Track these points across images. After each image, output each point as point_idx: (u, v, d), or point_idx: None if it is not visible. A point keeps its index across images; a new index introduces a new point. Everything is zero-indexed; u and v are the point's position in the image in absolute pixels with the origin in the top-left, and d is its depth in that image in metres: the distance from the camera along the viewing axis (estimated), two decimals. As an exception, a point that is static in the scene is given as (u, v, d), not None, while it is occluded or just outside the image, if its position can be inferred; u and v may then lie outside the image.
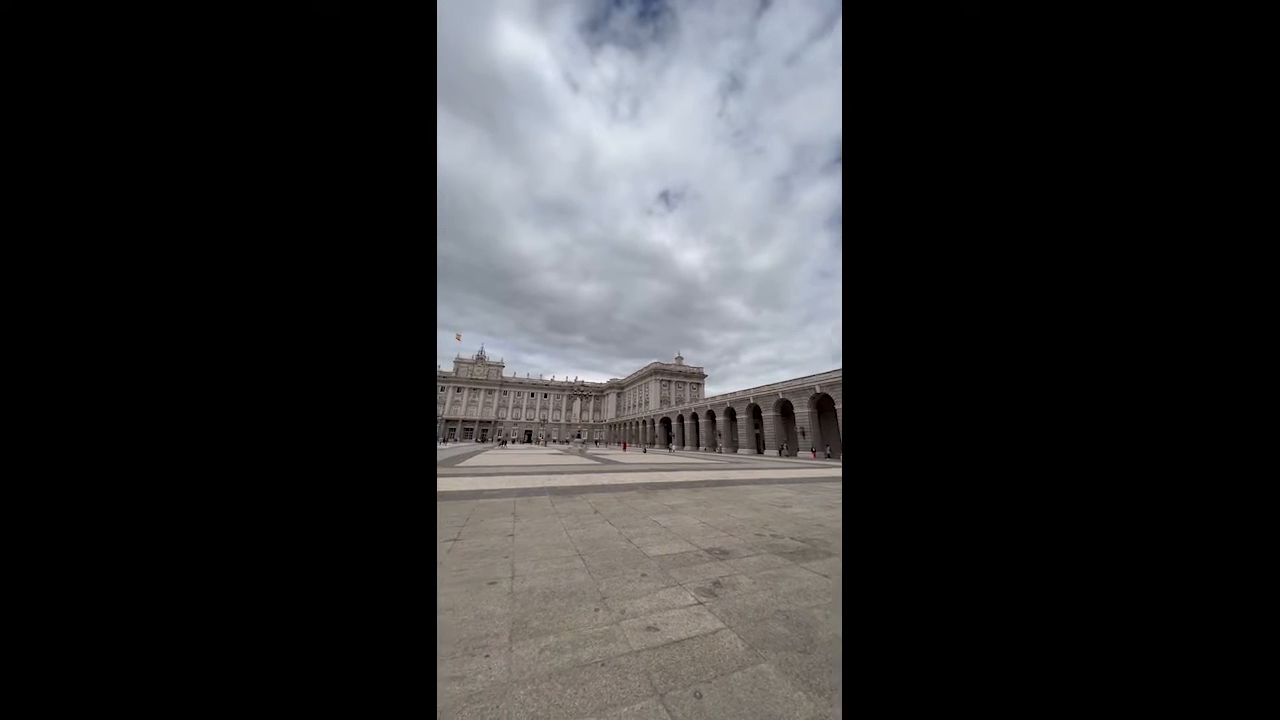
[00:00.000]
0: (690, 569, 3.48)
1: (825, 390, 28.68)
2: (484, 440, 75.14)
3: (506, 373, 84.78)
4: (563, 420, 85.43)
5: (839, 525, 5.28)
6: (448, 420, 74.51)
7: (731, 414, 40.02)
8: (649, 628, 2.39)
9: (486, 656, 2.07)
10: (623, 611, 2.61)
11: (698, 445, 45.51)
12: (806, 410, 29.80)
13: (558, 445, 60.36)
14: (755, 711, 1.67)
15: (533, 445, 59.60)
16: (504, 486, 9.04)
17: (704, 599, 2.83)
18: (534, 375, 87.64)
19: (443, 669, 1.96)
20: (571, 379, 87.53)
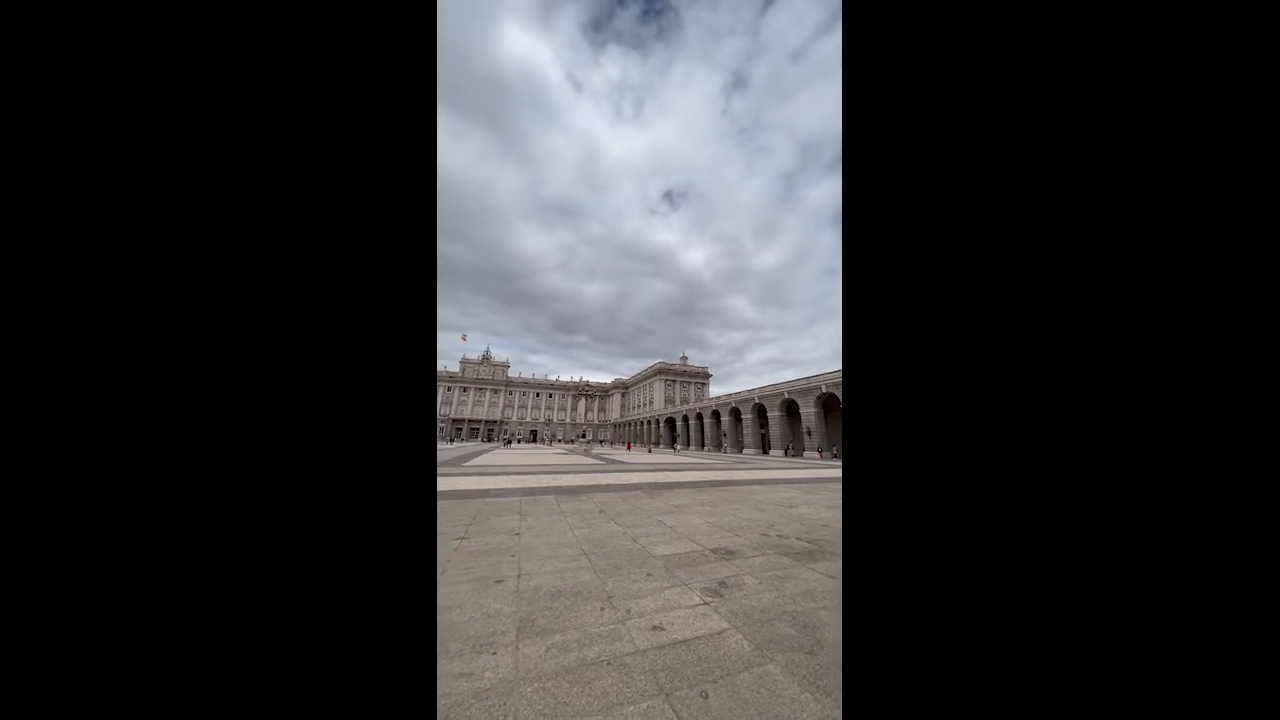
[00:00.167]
0: (696, 569, 3.48)
1: (831, 390, 28.50)
2: (490, 440, 75.59)
3: (512, 373, 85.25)
4: (568, 420, 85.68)
5: (846, 526, 5.22)
6: (454, 420, 75.06)
7: (737, 414, 39.90)
8: (655, 627, 2.40)
9: (494, 654, 2.08)
10: (628, 611, 2.61)
11: (703, 445, 45.42)
12: (812, 410, 29.63)
13: (563, 445, 60.56)
14: (762, 712, 1.67)
15: (538, 445, 59.85)
16: (510, 486, 9.09)
17: (710, 599, 2.83)
18: (539, 375, 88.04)
19: (451, 665, 1.98)
20: (576, 379, 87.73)
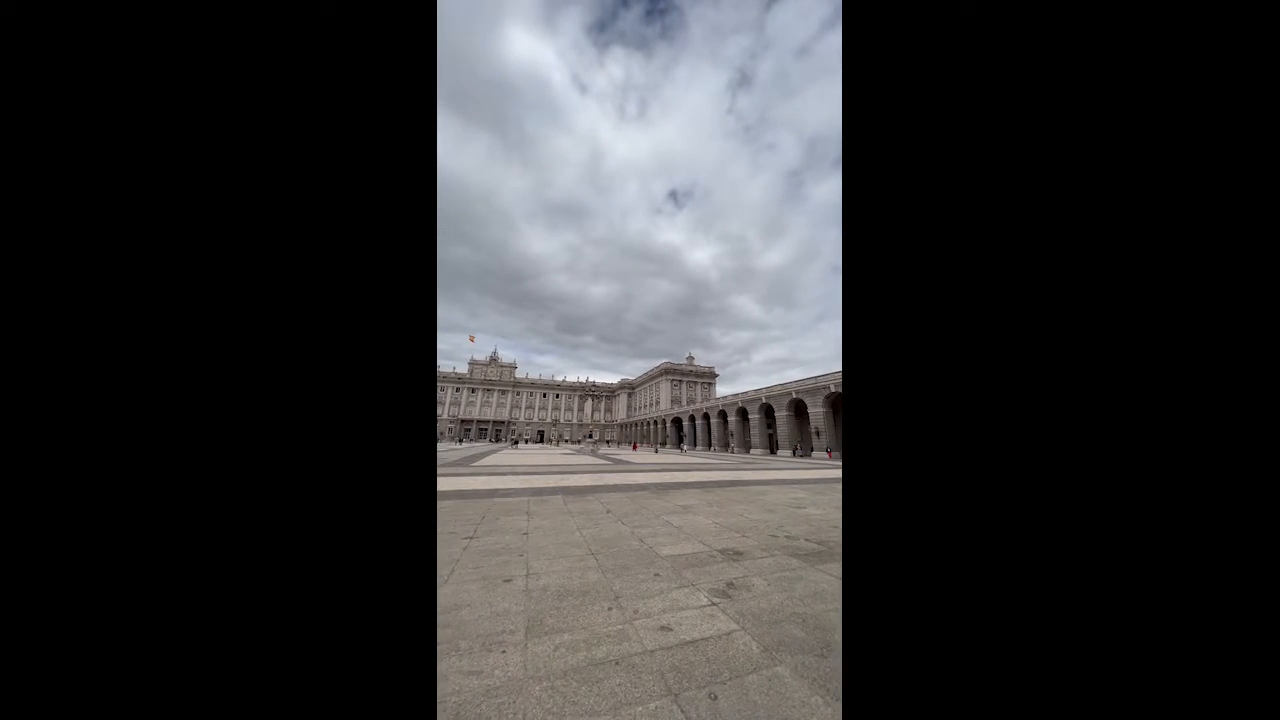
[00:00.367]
0: (703, 569, 3.46)
1: (839, 389, 28.20)
2: (498, 440, 76.12)
3: (519, 374, 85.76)
4: (574, 420, 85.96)
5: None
6: (463, 420, 75.74)
7: (744, 414, 39.68)
8: (662, 627, 2.39)
9: (503, 652, 2.10)
10: (636, 611, 2.61)
11: (709, 445, 45.26)
12: (821, 410, 29.36)
13: (569, 445, 60.75)
14: (771, 715, 1.66)
15: (545, 445, 60.11)
16: (518, 485, 9.14)
17: (718, 600, 2.82)
18: (546, 376, 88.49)
19: (461, 663, 2.00)
20: (582, 379, 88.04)
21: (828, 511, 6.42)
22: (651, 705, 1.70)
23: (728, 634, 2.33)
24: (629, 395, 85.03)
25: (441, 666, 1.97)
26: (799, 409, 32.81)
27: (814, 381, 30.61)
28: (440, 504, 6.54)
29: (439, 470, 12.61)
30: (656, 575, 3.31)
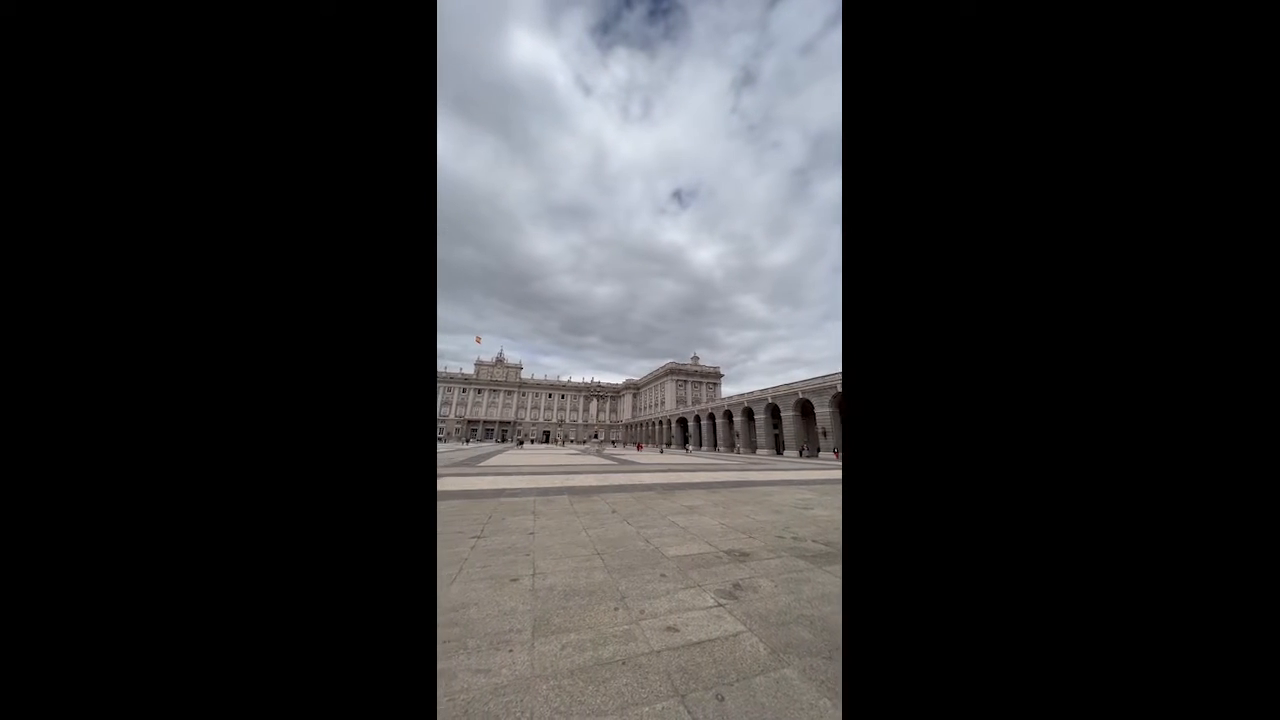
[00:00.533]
0: (710, 570, 3.45)
1: (847, 390, 27.95)
2: (504, 440, 76.57)
3: (524, 374, 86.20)
4: (580, 421, 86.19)
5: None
6: (469, 421, 76.27)
7: (749, 414, 39.51)
8: (669, 628, 2.39)
9: (510, 651, 2.11)
10: (642, 611, 2.61)
11: (715, 445, 45.12)
12: (827, 410, 29.13)
13: (575, 445, 60.92)
14: (779, 717, 1.65)
15: (550, 445, 60.35)
16: (524, 486, 9.19)
17: (724, 601, 2.81)
18: (551, 377, 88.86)
19: (469, 661, 2.01)
20: (587, 380, 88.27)
21: (835, 513, 6.37)
22: (658, 706, 1.70)
23: (735, 635, 2.32)
24: (634, 395, 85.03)
25: (450, 664, 1.99)
26: (805, 409, 32.59)
27: (820, 381, 30.39)
28: (448, 503, 6.59)
29: (446, 470, 12.70)
30: (663, 576, 3.30)
